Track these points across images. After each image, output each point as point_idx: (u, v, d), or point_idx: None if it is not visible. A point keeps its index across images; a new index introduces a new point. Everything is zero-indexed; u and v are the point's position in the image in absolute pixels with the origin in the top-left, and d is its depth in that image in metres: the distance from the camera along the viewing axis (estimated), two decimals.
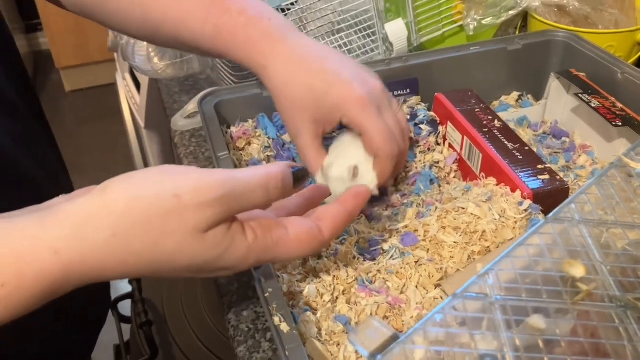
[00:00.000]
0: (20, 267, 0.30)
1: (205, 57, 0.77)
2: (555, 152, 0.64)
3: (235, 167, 0.55)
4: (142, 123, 1.09)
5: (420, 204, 0.54)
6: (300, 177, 0.39)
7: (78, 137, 2.48)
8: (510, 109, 0.68)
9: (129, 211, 0.32)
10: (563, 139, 0.66)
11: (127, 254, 0.32)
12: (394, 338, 0.31)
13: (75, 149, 2.32)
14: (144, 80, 1.03)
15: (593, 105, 0.59)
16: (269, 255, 0.37)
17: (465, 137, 0.58)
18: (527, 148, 0.55)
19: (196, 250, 0.33)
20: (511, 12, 0.75)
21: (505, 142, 0.55)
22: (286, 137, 0.60)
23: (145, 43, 0.77)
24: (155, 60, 0.73)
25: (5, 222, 0.31)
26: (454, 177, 0.59)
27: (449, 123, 0.60)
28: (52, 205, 0.33)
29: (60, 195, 0.36)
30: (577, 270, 0.32)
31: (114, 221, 0.32)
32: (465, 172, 0.58)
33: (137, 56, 0.75)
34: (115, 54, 1.31)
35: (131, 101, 1.18)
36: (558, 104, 0.68)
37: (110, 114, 2.06)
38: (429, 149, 0.60)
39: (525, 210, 0.48)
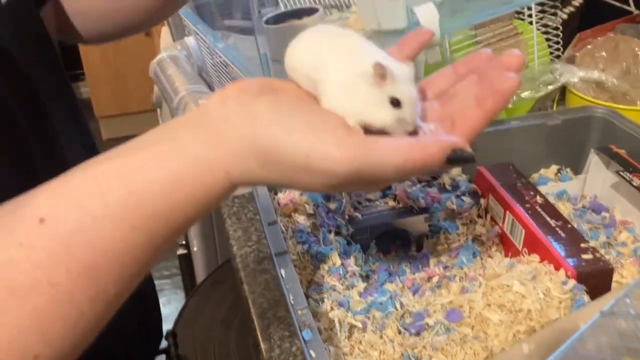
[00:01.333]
0: (203, 180, 0.34)
1: None
2: (595, 227, 0.65)
3: (283, 233, 0.56)
4: None
5: (463, 277, 0.55)
6: (458, 161, 0.35)
7: None
8: (550, 183, 0.70)
9: (269, 154, 0.34)
10: (603, 213, 0.66)
11: (267, 179, 0.35)
12: None
13: None
14: None
15: (635, 184, 0.60)
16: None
17: (508, 212, 0.59)
18: (569, 225, 0.55)
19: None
20: (550, 87, 0.77)
21: (548, 219, 0.56)
22: (331, 205, 0.62)
23: (194, 106, 0.80)
24: None
25: (175, 144, 0.34)
26: (496, 250, 0.60)
27: (490, 196, 0.62)
28: (209, 117, 0.35)
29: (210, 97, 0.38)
30: None
31: (262, 159, 0.34)
32: (507, 246, 0.59)
33: None
34: (158, 110, 1.36)
35: None
36: (597, 178, 0.69)
37: None
38: (470, 221, 0.62)
39: (570, 290, 0.49)
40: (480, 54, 0.41)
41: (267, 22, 0.78)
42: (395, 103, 0.35)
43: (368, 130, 0.36)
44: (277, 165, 0.34)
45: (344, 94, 0.36)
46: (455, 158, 0.34)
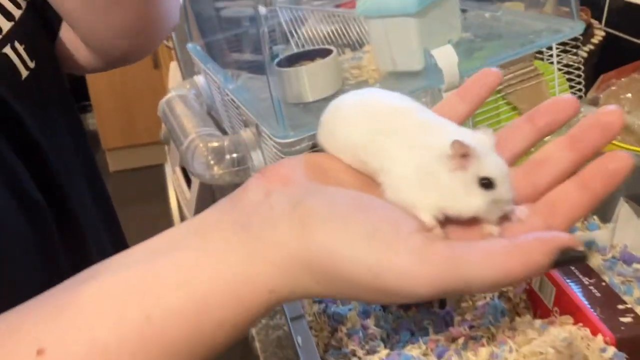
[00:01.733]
0: (239, 303, 0.29)
1: (261, 165, 0.77)
2: (628, 281, 0.61)
3: None
4: (189, 215, 1.10)
5: (490, 338, 0.51)
6: (566, 263, 0.28)
7: (119, 217, 2.51)
8: (577, 232, 0.66)
9: (325, 270, 0.28)
10: (634, 265, 0.63)
11: (323, 294, 0.30)
12: None
13: None
14: (195, 179, 1.04)
15: None
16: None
17: None
18: (604, 284, 0.52)
19: None
20: None
21: (580, 276, 0.53)
22: None
23: (204, 149, 0.78)
24: (215, 168, 0.74)
25: (213, 258, 0.29)
26: (524, 307, 0.57)
27: None
28: (247, 217, 0.30)
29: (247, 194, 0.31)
30: None
31: (317, 274, 0.28)
32: (536, 304, 0.56)
33: (197, 163, 0.76)
34: (166, 146, 1.34)
35: (180, 195, 1.19)
36: (627, 227, 0.65)
37: (153, 196, 2.09)
38: None
39: (609, 359, 0.45)
40: (564, 100, 0.33)
41: (279, 63, 0.76)
42: (487, 184, 0.30)
43: (446, 220, 0.30)
44: (337, 282, 0.28)
45: (418, 186, 0.30)
46: (563, 261, 0.27)
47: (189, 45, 1.06)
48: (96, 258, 0.53)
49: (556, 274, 0.53)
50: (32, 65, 0.47)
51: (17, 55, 0.46)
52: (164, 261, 0.29)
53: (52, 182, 0.49)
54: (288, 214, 0.29)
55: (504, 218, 0.31)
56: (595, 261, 0.63)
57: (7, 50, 0.45)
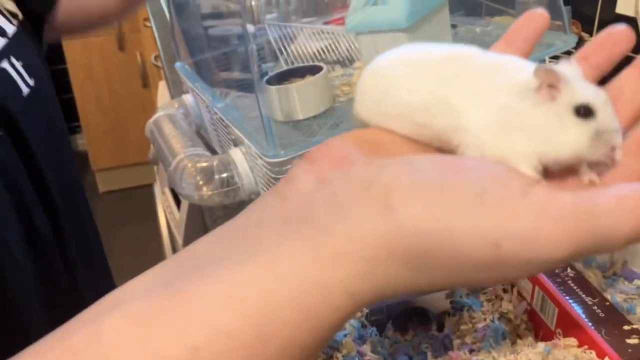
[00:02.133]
0: (309, 315, 0.23)
1: (252, 185, 0.76)
2: (630, 298, 0.59)
3: None
4: (180, 240, 1.08)
5: None
6: None
7: (108, 239, 2.48)
8: None
9: (425, 254, 0.23)
10: (635, 281, 0.61)
11: (418, 286, 0.24)
12: None
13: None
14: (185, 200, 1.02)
15: None
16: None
17: (537, 287, 0.54)
18: (607, 303, 0.50)
19: None
20: None
21: (583, 296, 0.51)
22: None
23: (193, 169, 0.76)
24: (204, 189, 0.72)
25: (266, 266, 0.23)
26: (525, 328, 0.55)
27: None
28: (310, 208, 0.24)
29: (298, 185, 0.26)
30: None
31: (413, 261, 0.23)
32: (538, 325, 0.54)
33: (185, 184, 0.74)
34: (155, 167, 1.32)
35: (170, 216, 1.17)
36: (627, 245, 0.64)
37: (143, 217, 2.07)
38: (495, 297, 0.56)
39: None
40: (617, 32, 0.29)
41: (268, 81, 0.75)
42: (585, 112, 0.25)
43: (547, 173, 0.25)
44: (443, 265, 0.23)
45: (505, 134, 0.25)
46: None
47: (177, 64, 1.05)
48: (83, 286, 0.52)
49: (557, 292, 0.51)
50: (31, 83, 0.46)
51: (16, 71, 0.44)
52: (198, 282, 0.23)
53: (54, 209, 0.48)
54: (361, 197, 0.24)
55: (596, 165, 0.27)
56: (596, 279, 0.61)
57: (5, 64, 0.44)
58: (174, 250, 1.30)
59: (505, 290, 0.57)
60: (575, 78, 0.26)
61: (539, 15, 0.32)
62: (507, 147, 0.25)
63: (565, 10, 0.73)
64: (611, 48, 0.30)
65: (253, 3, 0.90)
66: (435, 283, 0.25)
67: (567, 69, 0.27)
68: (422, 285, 0.24)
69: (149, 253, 2.14)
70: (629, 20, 0.77)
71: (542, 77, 0.25)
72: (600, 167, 0.27)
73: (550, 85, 0.25)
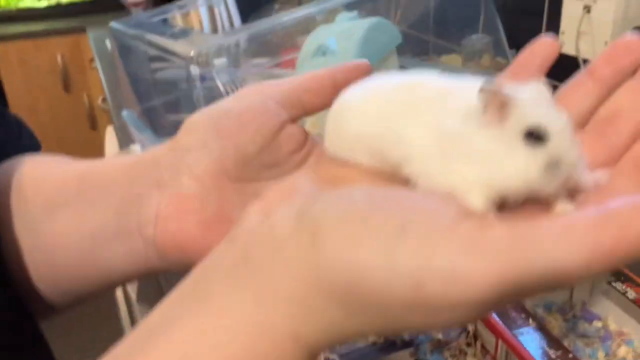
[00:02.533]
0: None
1: None
2: (591, 342, 0.60)
3: None
4: (133, 295, 1.04)
5: None
6: None
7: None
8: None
9: (350, 291, 0.21)
10: (595, 323, 0.62)
11: (357, 328, 0.22)
12: None
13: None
14: None
15: (630, 297, 0.55)
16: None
17: (500, 341, 0.53)
18: (571, 355, 0.50)
19: None
20: None
21: (547, 348, 0.51)
22: None
23: None
24: None
25: (218, 317, 0.22)
26: None
27: (478, 321, 0.56)
28: (249, 249, 0.23)
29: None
30: None
31: (343, 299, 0.22)
32: None
33: None
34: None
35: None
36: (585, 285, 0.64)
37: None
38: (460, 352, 0.55)
39: None
40: (626, 43, 0.26)
41: None
42: (536, 136, 0.22)
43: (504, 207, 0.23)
44: (369, 304, 0.21)
45: (450, 160, 0.23)
46: None
47: (125, 113, 1.02)
48: None
49: (521, 347, 0.51)
50: None
51: None
52: (151, 348, 0.22)
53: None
54: (294, 230, 0.23)
55: (577, 192, 0.23)
56: (557, 322, 0.61)
57: None
58: (132, 318, 1.23)
59: (469, 344, 0.56)
60: (535, 100, 0.23)
61: (546, 42, 0.29)
62: (452, 176, 0.23)
63: (510, 54, 0.75)
64: (620, 60, 0.27)
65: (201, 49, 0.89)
66: (373, 325, 0.22)
67: (529, 89, 0.24)
68: (361, 327, 0.22)
69: (108, 325, 1.95)
70: (572, 59, 0.79)
71: (487, 98, 0.22)
72: (588, 193, 0.24)
73: (501, 104, 0.22)
